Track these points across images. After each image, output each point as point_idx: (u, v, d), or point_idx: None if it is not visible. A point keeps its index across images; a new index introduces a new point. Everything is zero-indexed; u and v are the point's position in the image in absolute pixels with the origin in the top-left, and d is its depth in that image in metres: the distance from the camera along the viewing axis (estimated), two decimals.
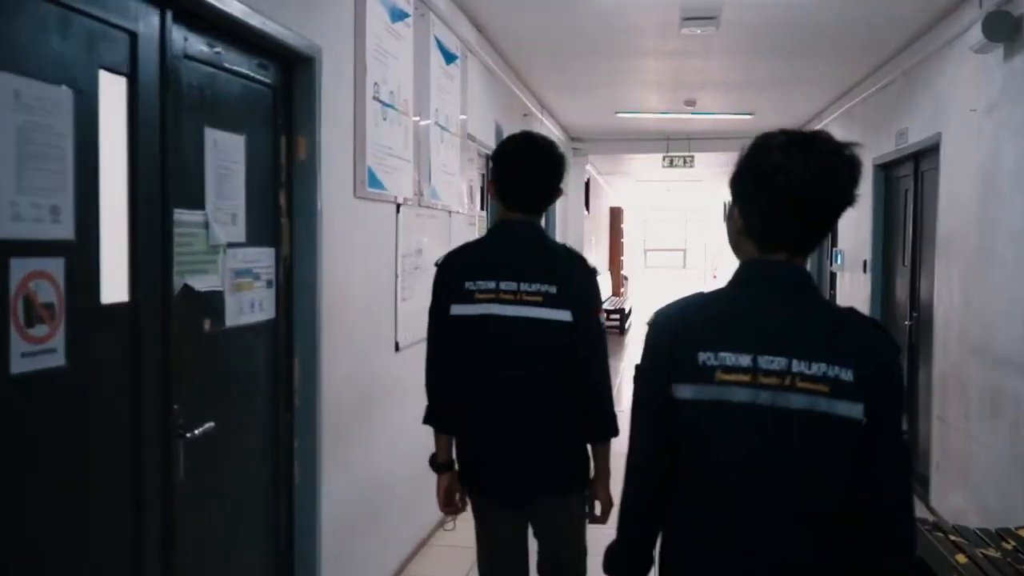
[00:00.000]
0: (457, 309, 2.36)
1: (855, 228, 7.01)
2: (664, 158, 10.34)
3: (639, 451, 1.51)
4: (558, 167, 2.42)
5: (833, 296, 8.10)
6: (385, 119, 3.56)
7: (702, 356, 1.39)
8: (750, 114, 8.37)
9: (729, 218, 1.51)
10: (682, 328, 1.45)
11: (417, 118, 4.02)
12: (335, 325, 3.06)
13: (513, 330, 2.29)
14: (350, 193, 3.21)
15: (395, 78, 3.69)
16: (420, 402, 2.54)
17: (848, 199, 1.40)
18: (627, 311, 15.92)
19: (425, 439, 2.56)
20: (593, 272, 2.42)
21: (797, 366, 1.34)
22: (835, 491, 1.36)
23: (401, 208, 3.81)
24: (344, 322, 3.17)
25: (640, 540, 1.55)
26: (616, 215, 18.81)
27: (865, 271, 6.64)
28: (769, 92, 7.35)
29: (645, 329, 1.53)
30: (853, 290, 7.13)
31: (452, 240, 4.74)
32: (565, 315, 2.27)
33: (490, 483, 2.41)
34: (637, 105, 8.13)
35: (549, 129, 8.56)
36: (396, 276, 3.78)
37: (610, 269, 18.15)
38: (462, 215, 5.02)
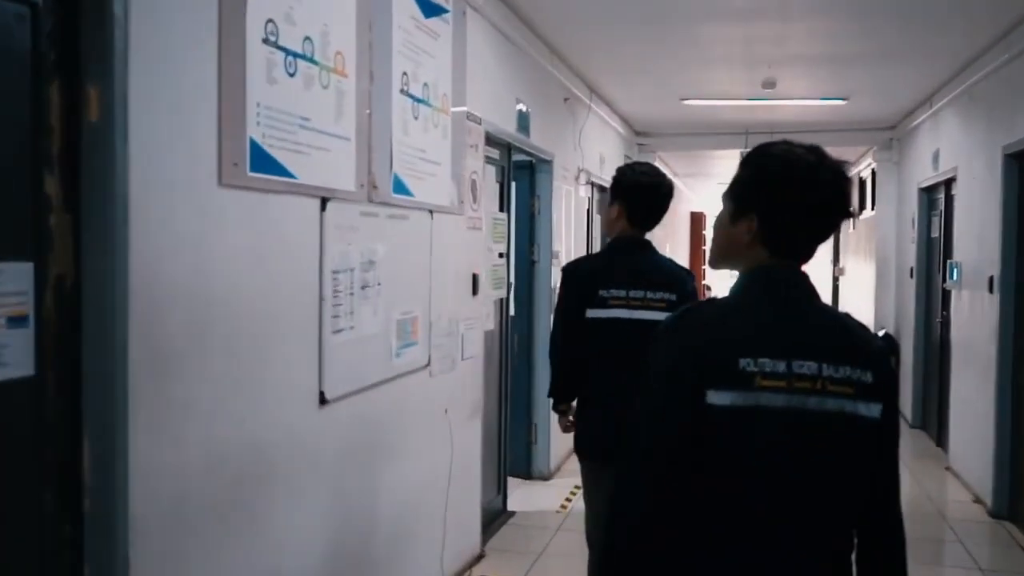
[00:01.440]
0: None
1: (977, 235, 5.59)
2: (743, 155, 8.99)
3: (650, 459, 1.42)
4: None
5: (947, 319, 6.64)
6: (293, 74, 2.48)
7: (743, 362, 1.37)
8: (842, 99, 7.01)
9: (728, 224, 1.51)
10: (719, 334, 1.42)
11: (364, 81, 2.93)
12: (181, 376, 2.00)
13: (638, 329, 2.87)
14: (212, 178, 2.14)
15: (317, 18, 2.61)
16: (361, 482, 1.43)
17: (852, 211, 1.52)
18: None
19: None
20: (692, 276, 3.11)
21: (826, 370, 1.39)
22: (862, 487, 1.44)
23: (330, 204, 2.72)
24: (205, 371, 2.11)
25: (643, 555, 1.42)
26: (698, 221, 17.51)
27: (992, 290, 5.23)
28: (866, 69, 6.00)
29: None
30: (973, 314, 5.70)
31: (436, 248, 3.62)
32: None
33: (599, 448, 2.95)
34: (705, 89, 6.87)
35: (605, 120, 7.37)
36: (321, 300, 2.70)
37: None
38: (456, 217, 3.91)
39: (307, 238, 2.64)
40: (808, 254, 1.46)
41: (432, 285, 3.61)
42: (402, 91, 3.24)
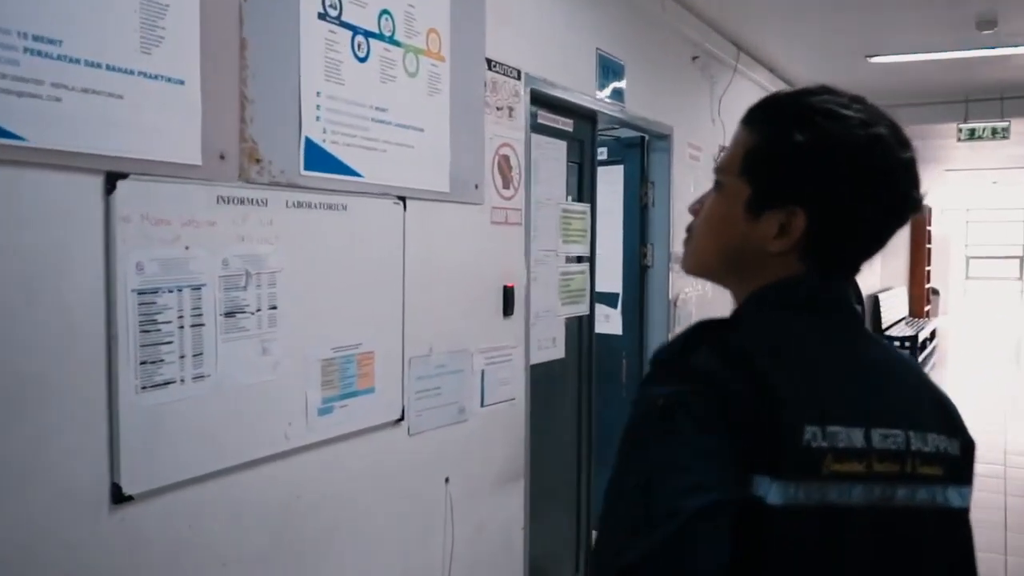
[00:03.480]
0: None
1: None
2: (960, 129, 7.06)
3: None
4: None
5: None
6: None
7: (808, 432, 0.84)
8: None
9: (742, 218, 0.96)
10: (773, 383, 0.85)
11: None
12: None
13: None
14: None
15: None
16: None
17: None
18: (931, 336, 12.33)
19: None
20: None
21: (915, 442, 0.91)
22: None
23: (125, 184, 1.68)
24: None
25: None
26: (920, 225, 14.97)
27: None
28: None
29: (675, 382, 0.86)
30: None
31: (420, 251, 2.51)
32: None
33: None
34: (900, 42, 5.23)
35: (761, 86, 5.88)
36: (111, 339, 1.67)
37: (910, 282, 14.52)
38: (469, 207, 2.76)
39: (75, 241, 1.62)
40: (857, 269, 0.99)
41: (411, 304, 2.49)
42: (321, 14, 2.15)
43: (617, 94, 3.82)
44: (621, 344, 4.63)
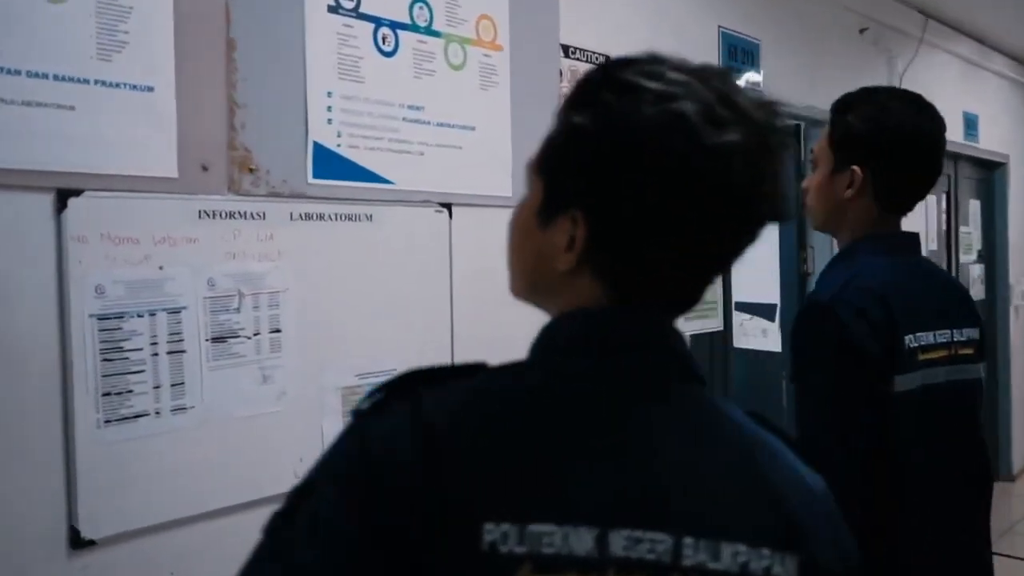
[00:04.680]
0: (901, 382, 1.44)
1: None
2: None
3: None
4: None
5: None
6: None
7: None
8: None
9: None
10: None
11: None
12: None
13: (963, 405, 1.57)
14: None
15: None
16: None
17: None
18: None
19: None
20: None
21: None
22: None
23: (77, 202, 1.56)
24: None
25: None
26: None
27: None
28: None
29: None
30: None
31: (471, 264, 2.26)
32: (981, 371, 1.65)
33: None
34: None
35: (966, 59, 5.06)
36: (66, 367, 1.55)
37: None
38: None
39: (23, 265, 1.51)
40: (684, 296, 0.86)
41: (462, 323, 2.24)
42: (333, 7, 1.95)
43: (751, 77, 3.36)
44: (781, 362, 4.11)
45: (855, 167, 1.53)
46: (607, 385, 0.67)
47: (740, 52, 3.29)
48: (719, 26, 3.18)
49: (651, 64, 0.69)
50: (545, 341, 0.71)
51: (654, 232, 0.66)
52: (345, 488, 0.61)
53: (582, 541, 0.59)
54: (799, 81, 3.61)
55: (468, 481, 0.60)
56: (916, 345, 1.45)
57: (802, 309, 1.55)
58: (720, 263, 0.72)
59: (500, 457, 0.62)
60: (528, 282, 0.77)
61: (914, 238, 1.63)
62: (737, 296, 4.19)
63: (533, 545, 0.59)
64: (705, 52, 3.11)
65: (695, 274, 0.71)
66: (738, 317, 4.02)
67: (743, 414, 0.73)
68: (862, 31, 4.11)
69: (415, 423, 0.64)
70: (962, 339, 1.53)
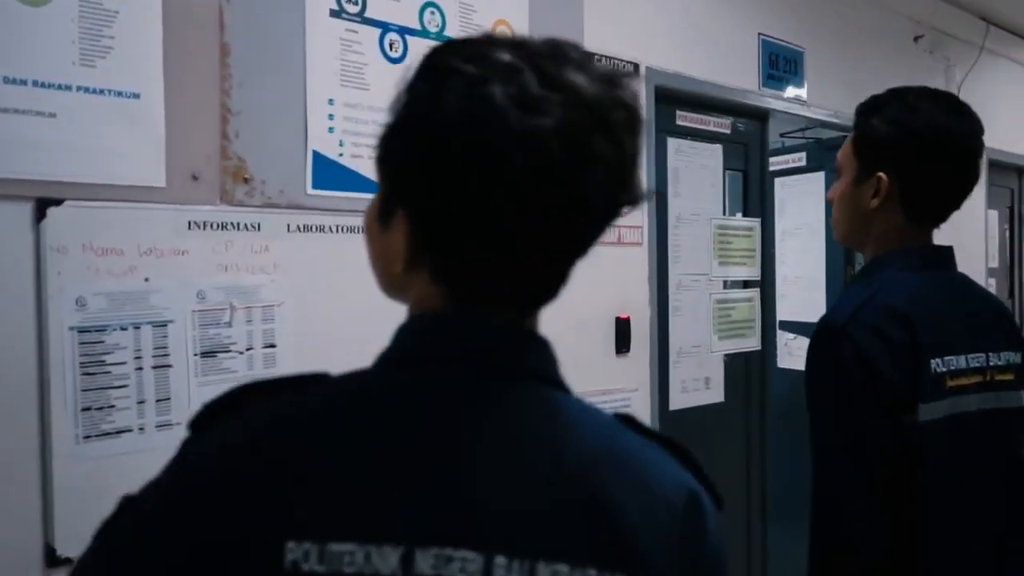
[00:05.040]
0: (925, 411, 1.30)
1: None
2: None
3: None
4: None
5: None
6: None
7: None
8: None
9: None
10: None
11: None
12: None
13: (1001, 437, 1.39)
14: None
15: None
16: None
17: None
18: None
19: None
20: None
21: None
22: None
23: (53, 211, 1.52)
24: None
25: None
26: None
27: None
28: None
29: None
30: None
31: None
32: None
33: None
34: None
35: None
36: (43, 383, 1.51)
37: None
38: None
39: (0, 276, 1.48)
40: (525, 298, 0.78)
41: None
42: (335, 11, 1.89)
43: (794, 87, 3.21)
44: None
45: (880, 174, 1.38)
46: (429, 395, 0.63)
47: (782, 60, 3.15)
48: (759, 33, 3.04)
49: (477, 45, 0.63)
50: (387, 348, 0.68)
51: (474, 227, 0.61)
52: (162, 504, 0.61)
53: (386, 561, 0.57)
54: (847, 92, 3.44)
55: (273, 498, 0.59)
56: (944, 370, 1.29)
57: (815, 332, 1.40)
58: (566, 254, 0.65)
59: (307, 473, 0.59)
60: (383, 285, 0.73)
61: (946, 252, 1.47)
62: (781, 315, 4.02)
63: (334, 564, 0.57)
64: (743, 60, 2.98)
65: (537, 268, 0.64)
66: (782, 336, 3.85)
67: (607, 420, 0.67)
68: (917, 39, 3.92)
69: (228, 439, 0.62)
70: (1000, 363, 1.37)
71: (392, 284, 0.70)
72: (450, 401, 0.62)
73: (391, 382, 0.64)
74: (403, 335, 0.67)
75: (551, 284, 0.67)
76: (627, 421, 0.68)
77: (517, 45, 0.63)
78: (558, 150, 0.59)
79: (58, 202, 1.52)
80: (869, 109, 1.44)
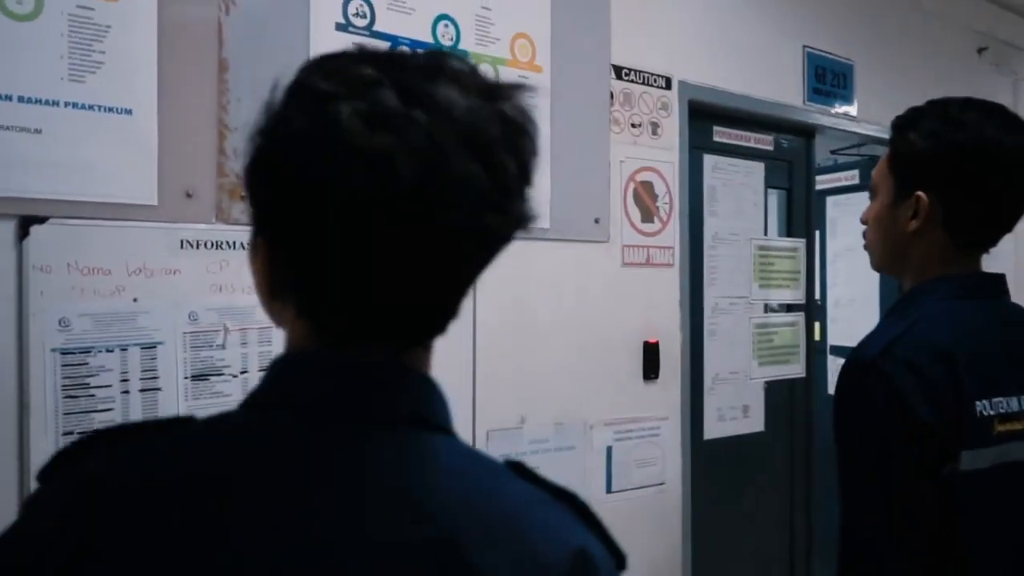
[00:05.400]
0: (969, 459, 1.15)
1: None
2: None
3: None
4: None
5: None
6: None
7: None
8: None
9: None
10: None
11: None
12: None
13: None
14: None
15: None
16: None
17: None
18: None
19: None
20: None
21: None
22: None
23: (37, 229, 1.49)
24: None
25: None
26: None
27: None
28: None
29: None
30: None
31: (496, 299, 2.09)
32: None
33: None
34: None
35: None
36: (22, 408, 1.47)
37: None
38: (586, 246, 2.27)
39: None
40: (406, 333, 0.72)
41: (487, 366, 2.05)
42: (342, 25, 1.83)
43: (843, 102, 3.05)
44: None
45: (919, 193, 1.24)
46: (279, 443, 0.56)
47: (829, 74, 3.00)
48: (804, 46, 2.90)
49: (342, 59, 0.58)
50: (255, 387, 0.62)
51: (324, 259, 0.55)
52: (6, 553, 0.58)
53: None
54: (901, 108, 3.26)
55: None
56: (991, 413, 1.14)
57: (843, 367, 1.25)
58: (441, 286, 0.58)
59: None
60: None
61: (997, 280, 1.30)
62: (832, 339, 3.83)
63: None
64: (786, 74, 2.84)
65: (408, 302, 0.57)
66: (832, 362, 3.67)
67: (493, 468, 0.60)
68: (980, 51, 3.71)
69: (61, 491, 0.59)
70: None
71: (271, 317, 0.64)
72: (301, 451, 0.56)
73: (241, 426, 0.59)
74: (269, 374, 0.61)
75: (432, 319, 0.60)
76: (517, 469, 0.62)
77: (387, 58, 0.57)
78: (408, 171, 0.52)
79: (42, 220, 1.48)
80: (906, 122, 1.31)
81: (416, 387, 0.60)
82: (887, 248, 1.32)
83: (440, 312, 0.60)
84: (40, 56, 1.48)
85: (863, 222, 1.39)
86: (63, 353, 1.50)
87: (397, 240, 0.53)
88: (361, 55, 0.57)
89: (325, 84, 0.55)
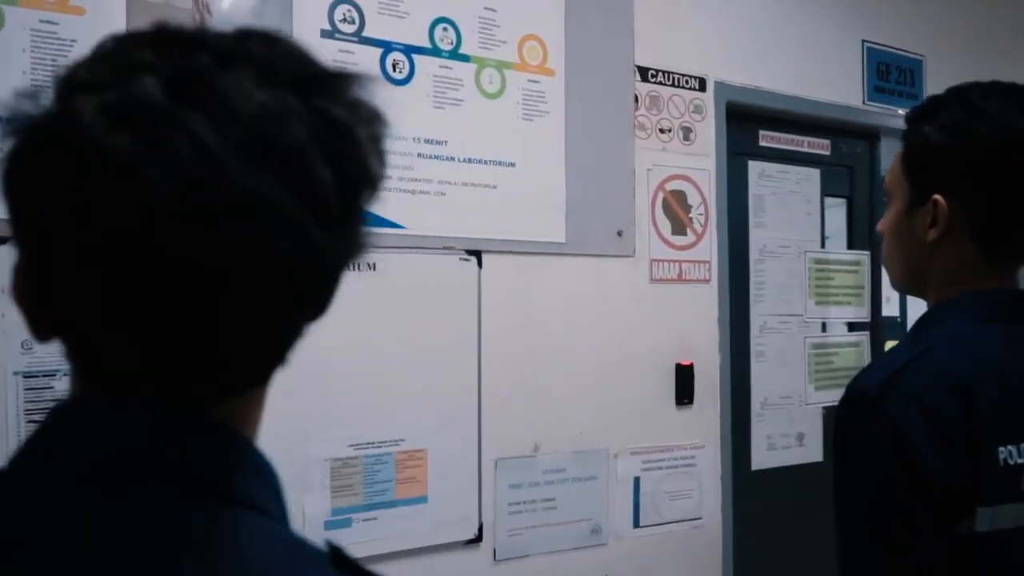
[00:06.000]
0: (989, 517, 0.96)
1: None
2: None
3: None
4: None
5: None
6: None
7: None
8: None
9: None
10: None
11: None
12: None
13: None
14: None
15: None
16: None
17: None
18: None
19: None
20: None
21: None
22: None
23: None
24: None
25: None
26: None
27: None
28: None
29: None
30: None
31: (506, 319, 1.97)
32: None
33: None
34: None
35: None
36: None
37: None
38: (608, 260, 2.12)
39: None
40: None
41: (495, 389, 1.93)
42: (328, 32, 1.75)
43: (911, 101, 2.80)
44: None
45: (937, 196, 1.05)
46: (28, 520, 0.45)
47: (895, 71, 2.75)
48: (863, 40, 2.67)
49: (121, 41, 0.48)
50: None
51: (69, 289, 0.45)
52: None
53: None
54: None
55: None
56: (1016, 462, 0.94)
57: (842, 399, 1.06)
58: (232, 325, 0.45)
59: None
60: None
61: None
62: None
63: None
64: (842, 71, 2.62)
65: (189, 347, 0.45)
66: None
67: (309, 558, 0.48)
68: None
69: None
70: None
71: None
72: (51, 531, 0.45)
73: (11, 488, 0.48)
74: (40, 429, 0.49)
75: (236, 367, 0.49)
76: (338, 560, 0.50)
77: (181, 39, 0.47)
78: (160, 183, 0.41)
79: (2, 241, 1.44)
80: (921, 114, 1.11)
81: (221, 450, 0.49)
82: (904, 262, 1.12)
83: (255, 359, 0.50)
84: (2, 72, 1.44)
85: (879, 233, 1.19)
86: (26, 376, 1.46)
87: (154, 268, 0.42)
88: (154, 34, 0.47)
89: (86, 71, 0.46)
